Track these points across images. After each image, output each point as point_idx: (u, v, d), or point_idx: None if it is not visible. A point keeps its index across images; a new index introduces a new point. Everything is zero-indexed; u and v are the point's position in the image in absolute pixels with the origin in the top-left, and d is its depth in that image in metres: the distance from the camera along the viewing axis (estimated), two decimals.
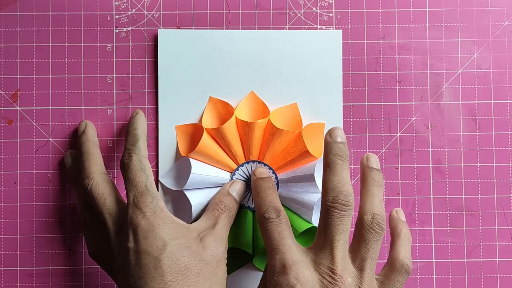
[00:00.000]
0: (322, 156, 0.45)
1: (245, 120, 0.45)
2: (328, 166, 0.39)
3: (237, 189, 0.44)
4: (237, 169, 0.45)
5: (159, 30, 0.46)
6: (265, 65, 0.46)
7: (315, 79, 0.46)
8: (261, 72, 0.46)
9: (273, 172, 0.45)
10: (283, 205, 0.45)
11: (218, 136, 0.45)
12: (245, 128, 0.45)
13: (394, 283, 0.38)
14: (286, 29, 0.47)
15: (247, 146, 0.45)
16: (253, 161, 0.45)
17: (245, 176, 0.45)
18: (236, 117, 0.45)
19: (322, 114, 0.46)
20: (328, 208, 0.38)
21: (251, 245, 0.45)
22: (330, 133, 0.40)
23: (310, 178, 0.44)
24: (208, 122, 0.46)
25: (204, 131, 0.45)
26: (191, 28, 0.47)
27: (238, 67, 0.46)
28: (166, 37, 0.46)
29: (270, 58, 0.46)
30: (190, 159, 0.45)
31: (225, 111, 0.46)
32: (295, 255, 0.38)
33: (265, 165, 0.45)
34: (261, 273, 0.46)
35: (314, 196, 0.44)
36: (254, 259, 0.45)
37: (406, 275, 0.39)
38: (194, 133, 0.46)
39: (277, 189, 0.45)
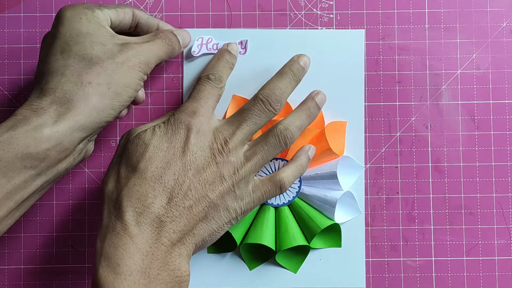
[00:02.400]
0: (344, 154, 0.45)
1: None
2: (279, 73, 0.43)
3: (182, 34, 0.44)
4: None
5: (184, 29, 0.47)
6: None
7: (338, 78, 0.47)
8: None
9: None
10: (305, 202, 0.46)
11: None
12: (268, 126, 0.45)
13: (267, 191, 0.41)
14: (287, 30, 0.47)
15: None
16: (276, 159, 0.46)
17: (269, 174, 0.46)
18: None
19: (344, 113, 0.47)
20: (257, 98, 0.41)
21: (273, 241, 0.45)
22: (299, 56, 0.43)
23: (333, 176, 0.44)
24: None
25: None
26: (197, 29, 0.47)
27: (261, 66, 0.47)
28: (191, 35, 0.47)
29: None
30: None
31: None
32: (207, 112, 0.40)
33: (288, 161, 0.46)
34: (284, 269, 0.47)
35: (336, 194, 0.45)
36: (276, 255, 0.46)
37: (278, 191, 0.41)
38: None
39: (300, 186, 0.46)
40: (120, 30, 0.43)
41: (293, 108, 0.46)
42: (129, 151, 0.38)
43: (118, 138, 0.47)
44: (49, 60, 0.39)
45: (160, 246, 0.36)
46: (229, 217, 0.39)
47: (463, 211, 0.47)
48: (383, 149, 0.47)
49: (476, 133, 0.47)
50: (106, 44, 0.39)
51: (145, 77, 0.41)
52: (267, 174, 0.45)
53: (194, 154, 0.38)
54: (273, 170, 0.46)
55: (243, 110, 0.41)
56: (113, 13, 0.41)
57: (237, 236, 0.45)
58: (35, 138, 0.36)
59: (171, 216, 0.37)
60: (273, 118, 0.45)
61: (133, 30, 0.44)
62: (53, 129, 0.37)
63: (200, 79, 0.42)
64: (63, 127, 0.37)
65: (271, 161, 0.45)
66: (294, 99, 0.44)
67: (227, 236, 0.45)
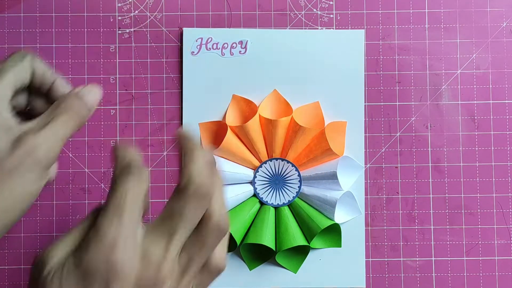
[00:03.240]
0: (344, 154, 0.45)
1: (268, 118, 0.45)
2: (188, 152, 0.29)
3: (87, 94, 0.33)
4: (260, 166, 0.46)
5: (184, 28, 0.47)
6: (288, 64, 0.47)
7: (338, 78, 0.47)
8: (284, 71, 0.47)
9: (296, 169, 0.46)
10: (305, 202, 0.46)
11: (242, 134, 0.45)
12: (268, 126, 0.45)
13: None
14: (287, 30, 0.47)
15: (270, 143, 0.46)
16: (276, 159, 0.46)
17: (269, 174, 0.46)
18: (259, 115, 0.46)
19: (344, 113, 0.47)
20: (188, 193, 0.28)
21: (273, 241, 0.46)
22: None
23: (333, 176, 0.45)
24: (232, 120, 0.46)
25: (228, 128, 0.45)
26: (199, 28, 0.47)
27: (261, 66, 0.47)
28: (190, 35, 0.47)
29: (293, 57, 0.47)
30: (214, 156, 0.45)
31: (248, 109, 0.46)
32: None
33: (288, 162, 0.46)
34: (284, 269, 0.47)
35: (336, 194, 0.45)
36: (276, 255, 0.46)
37: (217, 276, 0.31)
38: (217, 130, 0.46)
39: (300, 186, 0.46)
40: (20, 89, 0.34)
41: (294, 108, 0.46)
42: None
43: (118, 138, 0.47)
44: None
45: None
46: None
47: (463, 211, 0.47)
48: (383, 149, 0.47)
49: (476, 133, 0.47)
50: None
51: (49, 172, 0.32)
52: (273, 182, 0.45)
53: None
54: (277, 172, 0.46)
55: (172, 215, 0.28)
56: (12, 78, 0.32)
57: (237, 236, 0.45)
58: None
59: None
60: (269, 118, 0.45)
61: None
62: None
63: None
64: None
65: (276, 161, 0.46)
66: (296, 99, 0.44)
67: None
